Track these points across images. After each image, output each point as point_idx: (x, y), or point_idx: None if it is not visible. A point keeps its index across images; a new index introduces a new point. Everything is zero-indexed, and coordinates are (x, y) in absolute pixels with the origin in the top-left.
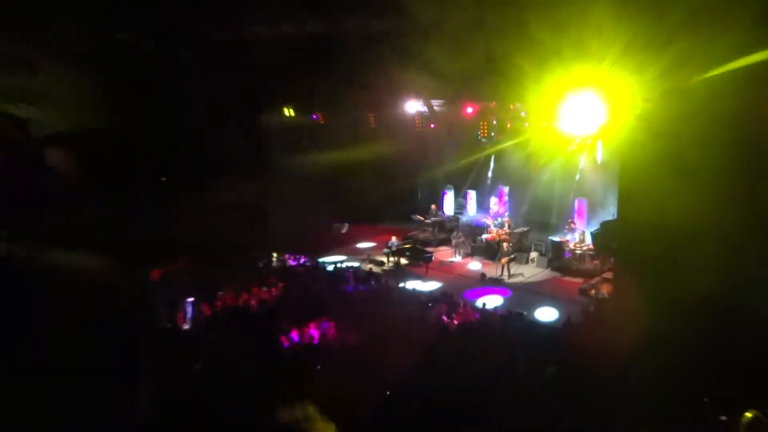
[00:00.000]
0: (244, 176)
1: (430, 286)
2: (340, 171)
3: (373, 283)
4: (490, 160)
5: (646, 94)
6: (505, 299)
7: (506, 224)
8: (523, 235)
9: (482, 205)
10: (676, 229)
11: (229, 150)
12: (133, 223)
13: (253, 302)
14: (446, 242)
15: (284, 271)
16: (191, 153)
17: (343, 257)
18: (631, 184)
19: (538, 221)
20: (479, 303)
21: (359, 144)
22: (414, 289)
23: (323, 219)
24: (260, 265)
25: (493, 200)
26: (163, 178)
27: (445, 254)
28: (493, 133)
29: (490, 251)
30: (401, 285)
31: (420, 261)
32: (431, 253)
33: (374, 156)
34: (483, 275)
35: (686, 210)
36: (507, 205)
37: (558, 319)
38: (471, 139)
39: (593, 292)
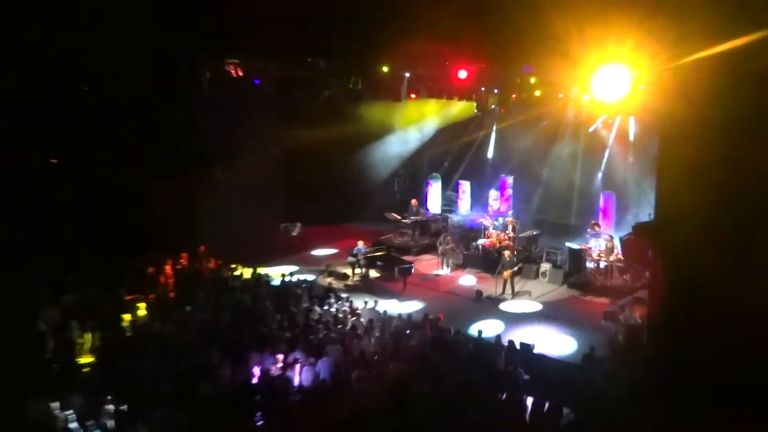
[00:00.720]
0: (164, 162)
1: (408, 307)
2: (293, 155)
3: (333, 302)
4: (489, 142)
5: (689, 52)
6: (507, 325)
7: (510, 226)
8: (531, 240)
9: (479, 201)
10: (736, 231)
11: (142, 125)
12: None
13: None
14: (431, 249)
15: (217, 285)
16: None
17: (294, 268)
18: (675, 174)
19: (551, 222)
20: (474, 330)
21: (320, 120)
22: (387, 312)
23: (269, 217)
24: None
25: (493, 194)
26: (54, 160)
27: (428, 265)
28: (494, 106)
29: (489, 262)
30: (370, 305)
31: (396, 274)
32: (410, 263)
33: (338, 136)
34: (479, 293)
35: (747, 205)
36: (511, 200)
37: (576, 352)
38: (465, 113)
39: (623, 316)
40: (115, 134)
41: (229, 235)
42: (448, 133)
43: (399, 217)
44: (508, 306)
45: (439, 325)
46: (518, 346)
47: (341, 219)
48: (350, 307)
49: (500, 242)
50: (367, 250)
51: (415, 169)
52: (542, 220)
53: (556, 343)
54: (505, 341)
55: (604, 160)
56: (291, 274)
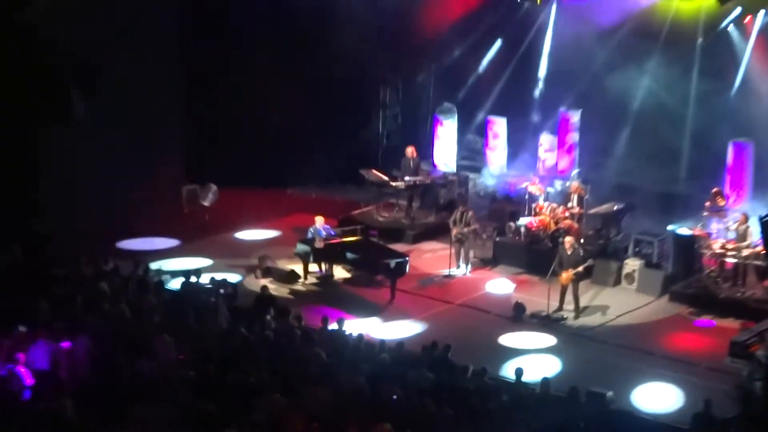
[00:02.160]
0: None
1: (398, 330)
2: (202, 73)
3: (269, 322)
4: (540, 49)
5: None
6: (565, 362)
7: (574, 195)
8: (609, 220)
9: (521, 151)
10: None
11: None
12: None
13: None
14: (438, 232)
15: (75, 290)
16: None
17: (206, 261)
18: None
19: (644, 190)
20: (509, 370)
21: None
22: (361, 338)
23: (162, 177)
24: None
25: (546, 141)
26: None
27: (434, 260)
28: None
29: (536, 256)
30: (333, 327)
31: (379, 273)
32: (403, 256)
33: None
34: (518, 308)
35: None
36: (576, 152)
37: (684, 408)
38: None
39: (762, 350)
40: None
41: (95, 207)
42: (470, 24)
43: (385, 178)
44: (567, 331)
45: (449, 360)
46: (584, 397)
47: (284, 179)
48: (300, 326)
49: (557, 223)
50: (331, 232)
51: (413, 96)
52: (629, 187)
53: (649, 392)
54: (552, 385)
55: (735, 85)
56: (198, 272)
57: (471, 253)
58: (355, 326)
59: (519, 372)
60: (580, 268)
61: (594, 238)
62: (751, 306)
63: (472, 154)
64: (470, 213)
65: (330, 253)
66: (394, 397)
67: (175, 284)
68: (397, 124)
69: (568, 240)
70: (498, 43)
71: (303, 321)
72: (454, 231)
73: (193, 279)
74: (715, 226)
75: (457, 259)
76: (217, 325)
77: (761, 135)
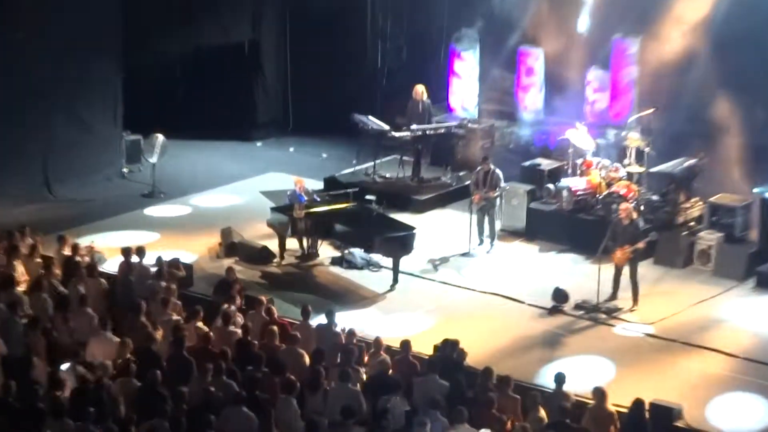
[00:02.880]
0: None
1: (403, 324)
2: None
3: (235, 314)
4: None
5: None
6: (621, 367)
7: (631, 149)
8: (679, 180)
9: (561, 91)
10: None
11: None
12: None
13: None
14: (454, 197)
15: None
16: None
17: (152, 236)
18: None
19: (724, 142)
20: (547, 376)
21: None
22: (350, 333)
23: (101, 128)
24: None
25: (595, 76)
26: None
27: (449, 233)
28: None
29: (582, 227)
30: (318, 321)
31: (376, 249)
32: (409, 228)
33: None
34: (559, 296)
35: None
36: (635, 91)
37: None
38: None
39: None
40: None
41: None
42: None
43: (385, 127)
44: (623, 326)
45: (462, 363)
46: (648, 413)
47: (253, 129)
48: (275, 320)
49: (609, 185)
50: (315, 199)
51: (421, 21)
52: (704, 137)
53: (729, 406)
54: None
55: None
56: (141, 249)
57: (497, 225)
58: (347, 320)
59: (560, 378)
60: (640, 245)
61: (658, 205)
62: None
63: (498, 96)
64: (496, 172)
65: (313, 225)
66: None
67: (111, 266)
68: (401, 59)
69: (625, 207)
70: None
71: (278, 313)
72: (476, 196)
73: (135, 259)
74: None
75: (480, 233)
76: (167, 319)
77: None
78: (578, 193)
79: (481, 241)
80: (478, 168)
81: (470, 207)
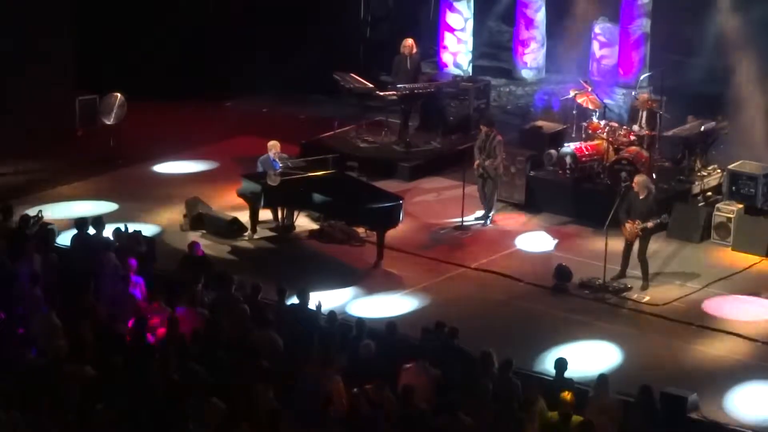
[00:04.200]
0: None
1: (390, 305)
2: None
3: (201, 293)
4: None
5: None
6: (629, 352)
7: (642, 111)
8: (695, 145)
9: (565, 46)
10: None
11: None
12: None
13: None
14: (446, 163)
15: None
16: None
17: (111, 206)
18: None
19: (745, 103)
20: (547, 363)
21: None
22: (334, 316)
23: (47, 84)
24: None
25: (603, 29)
26: None
27: (440, 205)
28: None
29: (589, 198)
30: (293, 302)
31: (359, 221)
32: (396, 198)
33: None
34: (562, 274)
35: None
36: (647, 45)
37: None
38: None
39: None
40: None
41: None
42: None
43: (369, 85)
44: (632, 307)
45: (458, 347)
46: (658, 403)
47: (222, 87)
48: (247, 300)
49: (618, 150)
50: (292, 163)
51: None
52: (722, 98)
53: (748, 396)
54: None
55: None
56: (98, 221)
57: (495, 195)
58: (327, 300)
59: (561, 364)
60: (650, 224)
61: (671, 175)
62: None
63: (495, 51)
64: (496, 138)
65: (289, 195)
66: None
67: (64, 240)
68: (387, 7)
69: (640, 179)
70: None
71: (248, 291)
72: (475, 162)
73: (90, 231)
74: None
75: (483, 202)
76: (126, 299)
77: None
78: (583, 159)
79: (487, 214)
80: (479, 131)
81: (477, 170)
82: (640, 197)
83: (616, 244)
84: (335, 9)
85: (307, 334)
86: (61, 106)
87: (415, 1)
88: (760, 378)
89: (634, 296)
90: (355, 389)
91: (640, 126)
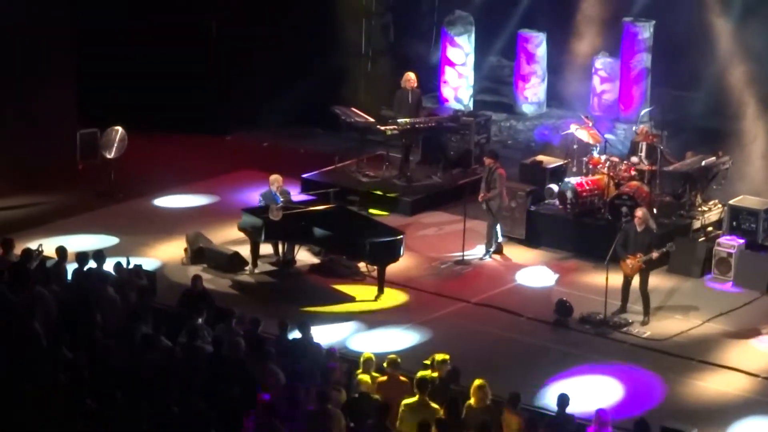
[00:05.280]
0: None
1: (390, 340)
2: None
3: (203, 328)
4: None
5: None
6: (629, 387)
7: (642, 145)
8: (695, 179)
9: (565, 81)
10: None
11: None
12: None
13: None
14: (447, 197)
15: None
16: None
17: (112, 240)
18: None
19: (747, 138)
20: (548, 398)
21: None
22: (330, 351)
23: (54, 120)
24: None
25: (603, 64)
26: None
27: (440, 239)
28: None
29: (589, 232)
30: (294, 336)
31: (359, 256)
32: (397, 233)
33: None
34: (563, 309)
35: None
36: (647, 81)
37: None
38: None
39: None
40: None
41: None
42: None
43: (370, 119)
44: (633, 342)
45: (450, 386)
46: None
47: (223, 122)
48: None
49: (618, 185)
50: (292, 200)
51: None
52: (723, 133)
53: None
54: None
55: None
56: (99, 255)
57: (497, 229)
58: (327, 335)
59: (563, 400)
60: (654, 254)
61: (671, 208)
62: None
63: (496, 86)
64: (496, 172)
65: (290, 229)
66: None
67: (68, 271)
68: (388, 42)
69: (641, 213)
70: None
71: (246, 325)
72: (481, 195)
73: (91, 265)
74: None
75: (488, 238)
76: (127, 332)
77: None
78: (584, 194)
79: (489, 251)
80: (484, 165)
81: (483, 199)
82: (639, 230)
83: (617, 279)
84: (336, 43)
85: (308, 369)
86: (62, 139)
87: (416, 36)
88: (761, 413)
89: (635, 331)
90: (352, 424)
91: (640, 160)
